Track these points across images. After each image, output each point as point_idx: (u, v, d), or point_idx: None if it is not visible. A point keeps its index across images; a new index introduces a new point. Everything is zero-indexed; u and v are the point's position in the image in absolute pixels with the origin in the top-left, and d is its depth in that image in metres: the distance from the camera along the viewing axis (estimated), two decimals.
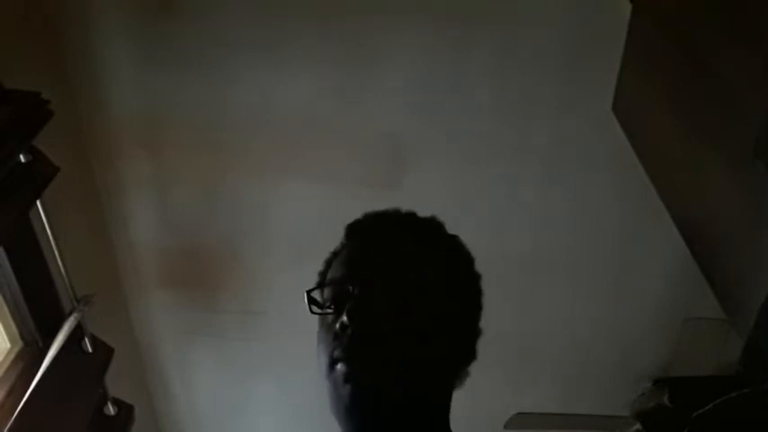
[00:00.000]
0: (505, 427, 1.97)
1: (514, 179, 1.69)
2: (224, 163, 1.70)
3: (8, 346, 1.41)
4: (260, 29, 1.51)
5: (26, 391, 1.28)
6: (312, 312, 0.72)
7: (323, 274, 0.77)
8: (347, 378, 0.65)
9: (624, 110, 1.08)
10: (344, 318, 0.66)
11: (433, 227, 0.79)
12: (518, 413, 1.94)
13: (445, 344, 0.69)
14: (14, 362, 1.38)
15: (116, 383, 1.59)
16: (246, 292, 1.93)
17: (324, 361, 0.67)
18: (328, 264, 0.77)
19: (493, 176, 1.68)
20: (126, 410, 1.62)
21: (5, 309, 1.37)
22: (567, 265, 1.80)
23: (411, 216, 0.79)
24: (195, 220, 1.80)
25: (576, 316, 1.90)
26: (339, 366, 0.65)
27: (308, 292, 0.72)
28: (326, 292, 0.72)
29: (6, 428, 1.22)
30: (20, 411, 1.25)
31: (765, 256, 0.67)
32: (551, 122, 1.61)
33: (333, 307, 0.69)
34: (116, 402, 1.60)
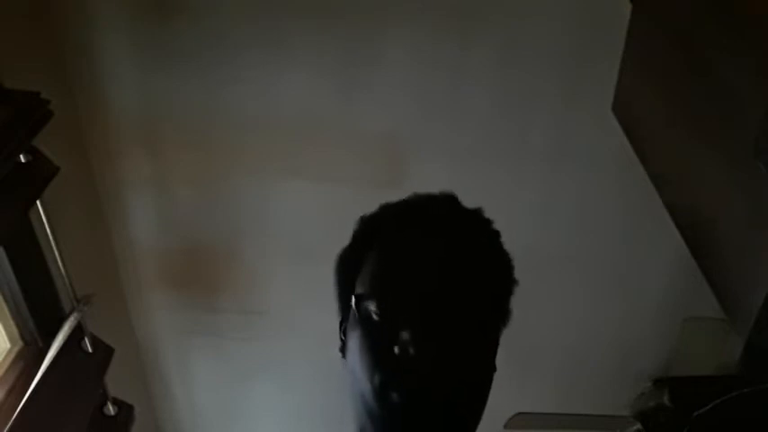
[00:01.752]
0: (505, 426, 1.97)
1: (514, 179, 1.69)
2: (224, 163, 1.70)
3: (8, 346, 1.41)
4: (260, 29, 1.51)
5: (26, 391, 1.28)
6: (362, 322, 0.64)
7: (353, 262, 0.70)
8: (403, 409, 0.60)
9: (624, 110, 1.08)
10: (406, 335, 0.59)
11: (481, 223, 0.73)
12: (518, 413, 1.94)
13: (490, 365, 0.67)
14: (14, 362, 1.38)
15: (116, 383, 1.59)
16: (246, 292, 1.93)
17: (372, 380, 0.61)
18: (358, 248, 0.71)
19: (493, 176, 1.68)
20: (126, 410, 1.62)
21: (5, 309, 1.37)
22: (566, 265, 1.80)
23: (455, 208, 0.73)
24: (195, 219, 1.80)
25: (575, 316, 1.90)
26: (395, 396, 0.60)
27: (358, 297, 0.65)
28: (373, 296, 0.65)
29: (6, 428, 1.22)
30: (20, 411, 1.25)
31: (765, 256, 0.67)
32: (551, 122, 1.61)
33: (384, 316, 0.62)
34: (116, 402, 1.60)
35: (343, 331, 0.73)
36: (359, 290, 0.67)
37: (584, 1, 1.44)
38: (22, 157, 1.21)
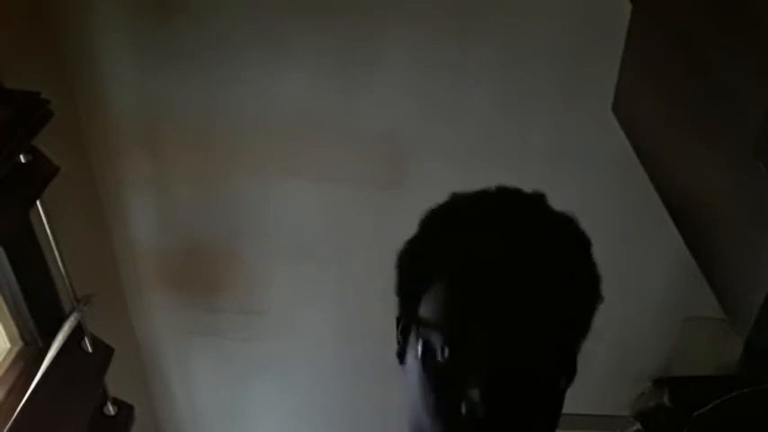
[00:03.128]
0: None
1: (514, 179, 1.69)
2: (224, 163, 1.70)
3: (8, 346, 1.41)
4: (260, 29, 1.51)
5: (26, 391, 1.28)
6: (425, 354, 0.58)
7: (411, 275, 0.64)
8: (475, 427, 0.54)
9: (624, 110, 1.08)
10: (475, 395, 0.53)
11: (571, 228, 0.66)
12: None
13: (564, 362, 0.63)
14: (14, 362, 1.38)
15: (116, 383, 1.59)
16: (246, 292, 1.93)
17: (433, 420, 0.56)
18: (428, 245, 0.64)
19: (493, 176, 1.67)
20: (126, 410, 1.62)
21: (5, 309, 1.37)
22: None
23: (542, 211, 0.66)
24: (195, 219, 1.80)
25: None
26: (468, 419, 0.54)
27: (422, 323, 0.59)
28: (439, 331, 0.58)
29: (6, 428, 1.22)
30: (20, 411, 1.25)
31: (765, 256, 0.67)
32: (551, 122, 1.61)
33: (452, 365, 0.56)
34: (116, 402, 1.60)
35: (401, 332, 0.66)
36: (424, 312, 0.60)
37: (584, 1, 1.44)
38: (22, 157, 1.21)
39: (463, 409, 0.54)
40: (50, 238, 1.33)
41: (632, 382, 1.77)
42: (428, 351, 0.58)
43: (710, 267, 0.80)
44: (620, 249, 1.80)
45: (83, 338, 1.48)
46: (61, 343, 1.38)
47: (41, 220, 1.30)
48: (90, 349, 1.49)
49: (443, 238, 0.64)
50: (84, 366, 1.48)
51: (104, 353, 1.53)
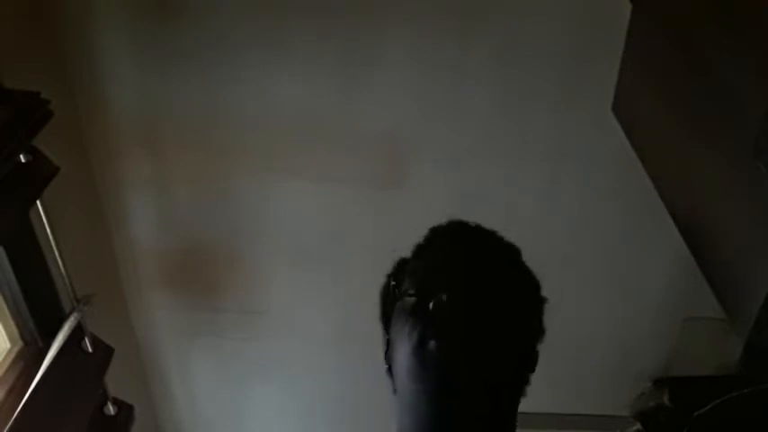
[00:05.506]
0: None
1: (514, 179, 1.69)
2: (224, 163, 1.70)
3: (8, 346, 1.41)
4: (260, 29, 1.51)
5: (26, 391, 1.28)
6: (396, 298, 0.73)
7: (401, 268, 0.78)
8: (441, 352, 0.66)
9: (624, 110, 1.08)
10: (444, 296, 0.66)
11: (514, 249, 0.80)
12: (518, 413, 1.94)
13: (523, 355, 0.74)
14: (14, 362, 1.38)
15: (116, 383, 1.59)
16: (246, 292, 1.93)
17: (412, 339, 0.68)
18: (403, 263, 0.78)
19: (493, 176, 1.68)
20: (126, 410, 1.62)
21: (5, 309, 1.37)
22: (566, 265, 1.80)
23: (493, 233, 0.81)
24: (195, 219, 1.80)
25: (575, 315, 1.90)
26: (432, 343, 0.66)
27: (397, 276, 0.75)
28: (411, 281, 0.73)
29: (6, 428, 1.22)
30: (20, 411, 1.25)
31: (765, 256, 0.67)
32: (551, 122, 1.61)
33: (420, 293, 0.70)
34: (116, 402, 1.60)
35: (386, 354, 0.78)
36: (401, 277, 0.74)
37: (584, 1, 1.44)
38: (22, 157, 1.21)
39: (431, 306, 0.67)
40: (50, 238, 1.33)
41: (632, 382, 1.77)
42: (403, 300, 0.72)
43: (710, 267, 0.80)
44: (620, 249, 1.80)
45: (83, 338, 1.48)
46: (61, 343, 1.38)
47: (41, 220, 1.30)
48: (90, 349, 1.49)
49: (409, 273, 0.77)
50: (84, 366, 1.48)
51: (104, 353, 1.53)
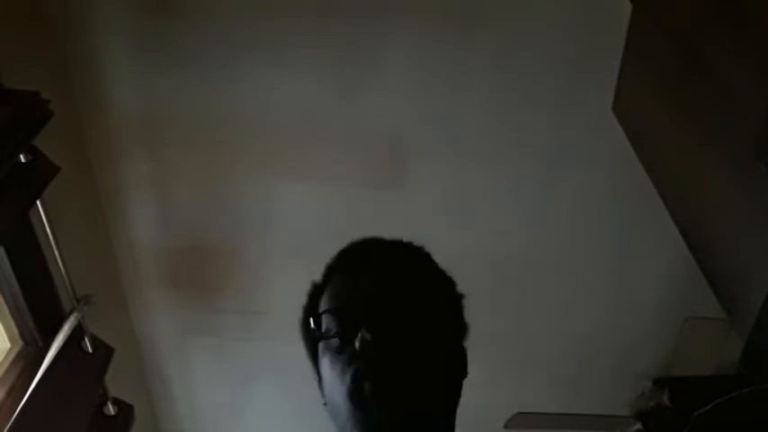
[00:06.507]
0: (505, 426, 1.97)
1: (514, 179, 1.69)
2: (224, 163, 1.70)
3: (8, 345, 1.41)
4: (260, 29, 1.51)
5: (26, 391, 1.28)
6: (319, 338, 0.73)
7: (315, 300, 0.78)
8: (377, 393, 0.65)
9: (624, 110, 1.08)
10: (366, 335, 0.66)
11: (423, 254, 0.81)
12: (518, 413, 1.94)
13: (453, 360, 0.73)
14: (14, 362, 1.38)
15: (116, 383, 1.59)
16: (246, 292, 1.93)
17: (345, 382, 0.67)
18: (317, 293, 0.79)
19: (493, 176, 1.68)
20: (126, 410, 1.62)
21: (5, 309, 1.37)
22: (567, 265, 1.80)
23: (398, 243, 0.81)
24: (195, 220, 1.80)
25: (576, 316, 1.90)
26: (368, 386, 0.66)
27: (315, 317, 0.74)
28: (330, 318, 0.73)
29: (6, 428, 1.22)
30: (20, 411, 1.25)
31: (765, 256, 0.67)
32: (551, 122, 1.61)
33: (342, 332, 0.70)
34: (116, 402, 1.60)
35: (320, 389, 0.78)
36: (318, 317, 0.74)
37: (585, 2, 1.44)
38: (22, 157, 1.21)
39: (357, 345, 0.66)
40: (50, 238, 1.33)
41: (632, 382, 1.77)
42: (327, 335, 0.72)
43: (710, 267, 0.80)
44: (621, 249, 1.80)
45: (83, 338, 1.48)
46: (61, 343, 1.38)
47: (41, 220, 1.30)
48: (90, 349, 1.49)
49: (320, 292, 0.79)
50: (84, 366, 1.48)
51: (104, 353, 1.53)
